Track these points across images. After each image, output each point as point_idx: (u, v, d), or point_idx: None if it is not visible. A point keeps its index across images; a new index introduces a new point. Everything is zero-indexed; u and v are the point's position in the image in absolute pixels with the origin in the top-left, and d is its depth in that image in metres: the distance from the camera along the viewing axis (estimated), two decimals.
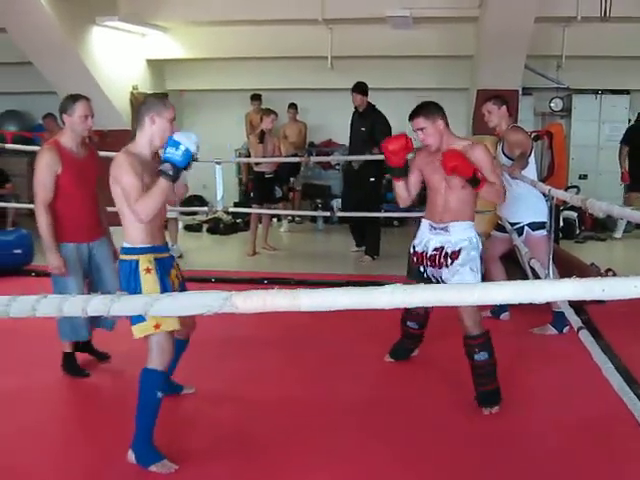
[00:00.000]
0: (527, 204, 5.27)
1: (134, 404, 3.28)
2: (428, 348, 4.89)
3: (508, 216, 5.48)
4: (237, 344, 5.21)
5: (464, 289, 1.51)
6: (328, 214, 7.71)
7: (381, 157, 7.67)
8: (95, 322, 4.48)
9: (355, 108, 8.15)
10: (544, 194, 4.63)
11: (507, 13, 7.70)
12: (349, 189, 8.55)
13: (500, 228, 5.67)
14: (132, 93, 10.15)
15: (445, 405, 4.14)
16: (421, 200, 10.99)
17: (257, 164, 8.58)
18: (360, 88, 8.00)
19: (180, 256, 8.36)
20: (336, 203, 9.57)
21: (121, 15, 9.25)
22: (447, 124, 4.08)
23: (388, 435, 3.74)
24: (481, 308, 5.67)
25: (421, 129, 4.04)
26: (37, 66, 9.10)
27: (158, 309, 1.67)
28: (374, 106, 8.03)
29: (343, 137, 11.36)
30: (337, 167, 11.43)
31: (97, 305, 1.81)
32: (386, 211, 9.17)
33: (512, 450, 3.57)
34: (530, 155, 5.29)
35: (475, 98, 9.18)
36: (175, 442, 3.58)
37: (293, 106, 10.68)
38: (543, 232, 5.17)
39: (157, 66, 10.98)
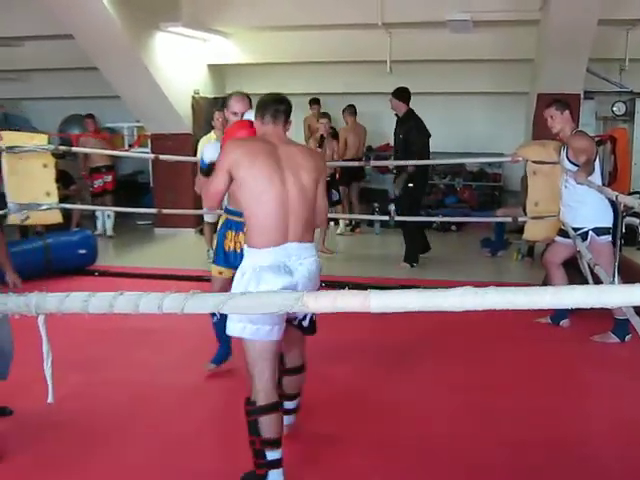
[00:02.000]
0: (591, 209, 5.21)
1: None
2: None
3: (571, 221, 5.41)
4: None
5: (534, 292, 1.51)
6: (386, 218, 7.69)
7: (420, 162, 7.70)
8: None
9: (396, 114, 8.08)
10: (611, 200, 4.57)
11: (569, 16, 7.58)
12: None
13: (563, 233, 5.61)
14: (193, 97, 10.32)
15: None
16: (480, 204, 10.90)
17: None
18: (396, 93, 7.91)
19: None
20: (393, 207, 9.56)
21: (184, 21, 9.40)
22: None
23: None
24: (541, 314, 5.66)
25: None
26: (102, 71, 9.31)
27: (231, 307, 1.72)
28: (412, 111, 7.94)
29: None
30: (394, 171, 11.42)
31: (172, 303, 1.87)
32: (444, 216, 9.14)
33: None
34: (595, 160, 5.23)
35: (535, 102, 9.07)
36: None
37: (348, 110, 10.68)
38: (608, 238, 5.11)
39: (218, 71, 11.13)
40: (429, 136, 7.96)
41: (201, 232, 8.84)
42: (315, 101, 10.64)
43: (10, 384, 3.82)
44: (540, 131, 7.60)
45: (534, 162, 6.19)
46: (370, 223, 10.49)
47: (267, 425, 3.11)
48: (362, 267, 8.06)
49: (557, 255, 5.67)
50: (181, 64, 10.03)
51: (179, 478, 3.45)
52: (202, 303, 1.84)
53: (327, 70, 10.75)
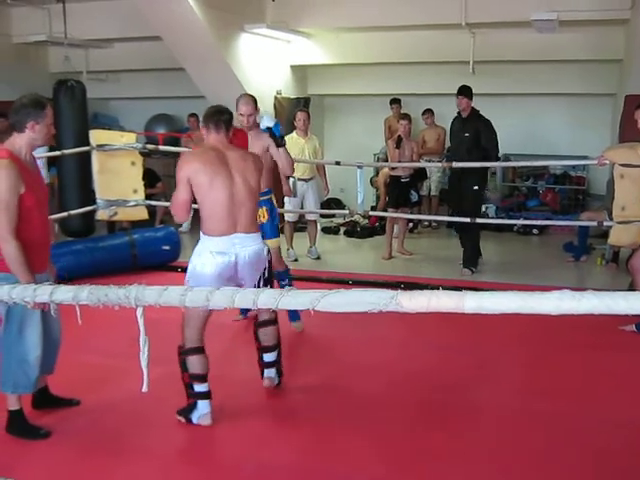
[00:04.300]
0: None
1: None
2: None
3: None
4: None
5: (635, 298, 1.50)
6: (467, 220, 7.57)
7: (506, 164, 7.52)
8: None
9: (458, 113, 7.81)
10: None
11: None
12: (451, 196, 8.33)
13: None
14: (276, 97, 10.44)
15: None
16: (563, 208, 10.68)
17: (393, 168, 8.65)
18: (466, 92, 7.63)
19: (318, 257, 8.55)
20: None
21: (269, 23, 9.55)
22: None
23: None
24: (626, 321, 5.52)
25: None
26: (187, 71, 9.53)
27: (326, 304, 1.76)
28: (478, 111, 7.68)
29: None
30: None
31: (267, 298, 1.93)
32: (526, 219, 9.00)
33: None
34: None
35: (623, 104, 8.83)
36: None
37: (429, 111, 10.63)
38: None
39: (300, 71, 11.23)
40: (497, 135, 7.75)
41: (281, 231, 8.89)
42: (395, 101, 10.63)
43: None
44: (628, 133, 7.39)
45: (622, 165, 6.04)
46: (450, 224, 10.41)
47: (193, 363, 3.89)
48: (440, 269, 7.99)
49: None
50: (264, 65, 10.17)
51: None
52: (296, 300, 1.89)
53: (409, 71, 10.71)
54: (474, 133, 7.56)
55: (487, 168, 8.01)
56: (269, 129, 4.95)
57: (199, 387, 3.92)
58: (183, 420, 3.97)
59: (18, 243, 3.49)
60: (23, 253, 3.50)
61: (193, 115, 10.60)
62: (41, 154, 8.14)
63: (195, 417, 3.94)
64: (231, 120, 4.03)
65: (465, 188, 7.61)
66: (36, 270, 3.62)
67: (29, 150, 3.72)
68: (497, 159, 7.82)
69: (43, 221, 3.80)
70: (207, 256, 3.82)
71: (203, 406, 3.93)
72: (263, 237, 4.20)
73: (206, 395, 3.94)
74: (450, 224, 9.97)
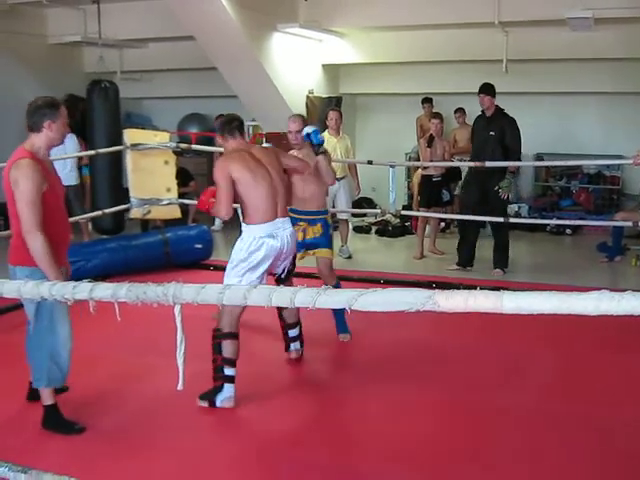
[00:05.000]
0: None
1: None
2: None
3: None
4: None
5: None
6: (501, 219, 7.50)
7: (514, 164, 7.39)
8: None
9: (482, 112, 7.74)
10: None
11: None
12: (469, 195, 8.00)
13: None
14: (308, 97, 10.45)
15: None
16: (597, 208, 10.56)
17: (425, 168, 8.62)
18: (489, 90, 7.54)
19: (349, 257, 8.56)
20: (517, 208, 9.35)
21: (301, 22, 9.57)
22: None
23: None
24: None
25: None
26: (220, 71, 9.57)
27: (363, 303, 1.77)
28: (503, 110, 7.60)
29: None
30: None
31: (304, 297, 1.94)
32: (559, 219, 8.92)
33: None
34: None
35: None
36: None
37: (460, 110, 10.57)
38: None
39: (332, 71, 11.23)
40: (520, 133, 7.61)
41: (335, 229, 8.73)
42: (427, 100, 10.59)
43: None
44: None
45: None
46: (481, 224, 10.33)
47: (227, 347, 4.20)
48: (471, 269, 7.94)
49: None
50: (297, 64, 10.18)
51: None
52: (333, 298, 1.90)
53: (441, 70, 10.66)
54: (499, 132, 7.49)
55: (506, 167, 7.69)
56: (307, 135, 5.02)
57: (228, 371, 4.21)
58: (206, 404, 4.21)
59: (45, 237, 3.57)
60: (50, 247, 3.58)
61: (221, 116, 10.66)
62: (73, 154, 8.33)
63: (219, 400, 4.21)
64: (242, 125, 4.52)
65: (490, 188, 7.47)
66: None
67: (47, 149, 3.83)
68: (518, 159, 7.69)
69: (63, 218, 3.93)
70: (258, 241, 4.27)
71: (228, 389, 4.22)
72: (316, 247, 5.23)
73: (233, 379, 4.24)
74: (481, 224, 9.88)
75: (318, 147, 5.07)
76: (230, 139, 4.39)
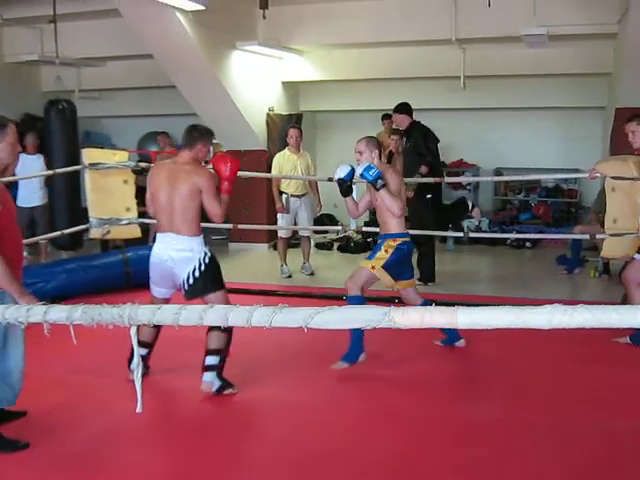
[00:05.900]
0: None
1: None
2: None
3: None
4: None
5: (626, 311, 1.50)
6: (461, 235, 7.58)
7: (498, 179, 7.46)
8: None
9: (402, 130, 8.04)
10: None
11: None
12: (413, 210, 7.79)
13: None
14: (268, 114, 10.47)
15: None
16: (555, 221, 10.67)
17: None
18: (397, 109, 7.85)
19: (312, 273, 8.54)
20: (468, 223, 9.45)
21: (260, 40, 9.59)
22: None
23: None
24: (619, 333, 5.52)
25: None
26: (180, 89, 9.55)
27: (319, 321, 1.76)
28: (418, 122, 7.80)
29: (474, 157, 11.31)
30: (468, 187, 11.35)
31: (261, 316, 1.93)
32: (518, 232, 9.02)
33: None
34: None
35: (614, 117, 8.89)
36: None
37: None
38: None
39: (292, 88, 11.28)
40: (438, 141, 7.77)
41: (274, 247, 8.91)
42: (387, 117, 10.64)
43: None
44: (619, 146, 7.44)
45: (613, 178, 6.05)
46: (443, 239, 10.42)
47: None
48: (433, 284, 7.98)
49: (637, 273, 5.54)
50: (256, 82, 10.20)
51: None
52: (290, 317, 1.89)
53: (400, 86, 10.73)
54: (414, 142, 7.70)
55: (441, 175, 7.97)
56: (361, 176, 4.85)
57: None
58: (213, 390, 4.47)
59: (3, 257, 3.42)
60: (9, 267, 3.45)
61: (163, 133, 10.67)
62: (34, 174, 8.24)
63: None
64: (197, 137, 4.55)
65: (419, 200, 7.55)
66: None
67: None
68: (429, 162, 7.68)
69: (17, 238, 3.80)
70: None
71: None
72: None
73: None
74: (443, 239, 9.98)
75: (375, 181, 4.80)
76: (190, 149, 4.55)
